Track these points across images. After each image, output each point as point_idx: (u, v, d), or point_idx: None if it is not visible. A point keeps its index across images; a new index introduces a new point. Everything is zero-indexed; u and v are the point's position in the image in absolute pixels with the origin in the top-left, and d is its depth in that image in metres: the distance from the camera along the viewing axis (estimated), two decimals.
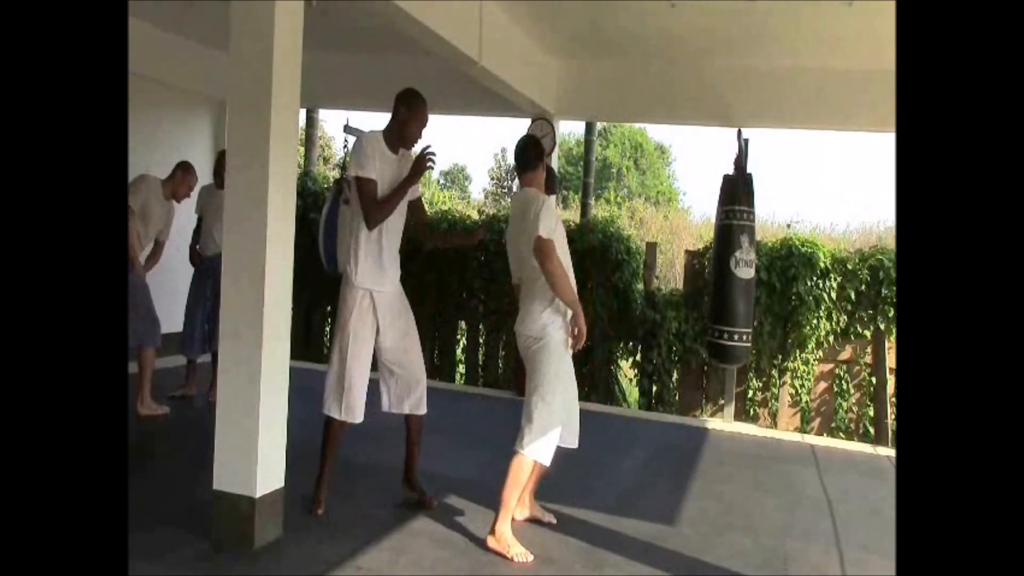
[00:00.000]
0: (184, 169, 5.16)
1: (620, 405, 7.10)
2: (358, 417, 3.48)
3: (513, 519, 3.37)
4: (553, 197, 3.39)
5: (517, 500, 3.30)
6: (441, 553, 3.24)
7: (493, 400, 6.30)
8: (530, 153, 3.43)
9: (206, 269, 5.31)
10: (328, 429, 3.53)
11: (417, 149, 3.52)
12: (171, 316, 5.50)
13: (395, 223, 3.48)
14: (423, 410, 3.62)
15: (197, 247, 5.42)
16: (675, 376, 6.97)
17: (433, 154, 3.44)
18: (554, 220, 3.23)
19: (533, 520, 3.59)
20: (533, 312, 3.31)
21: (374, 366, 3.55)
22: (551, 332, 3.28)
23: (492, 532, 3.26)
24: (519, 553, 3.19)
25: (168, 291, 5.30)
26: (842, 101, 6.14)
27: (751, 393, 6.76)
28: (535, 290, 3.31)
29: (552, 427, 3.22)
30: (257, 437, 3.09)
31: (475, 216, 8.54)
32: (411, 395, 3.58)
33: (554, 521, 3.61)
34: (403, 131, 3.43)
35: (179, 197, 5.18)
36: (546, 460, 3.24)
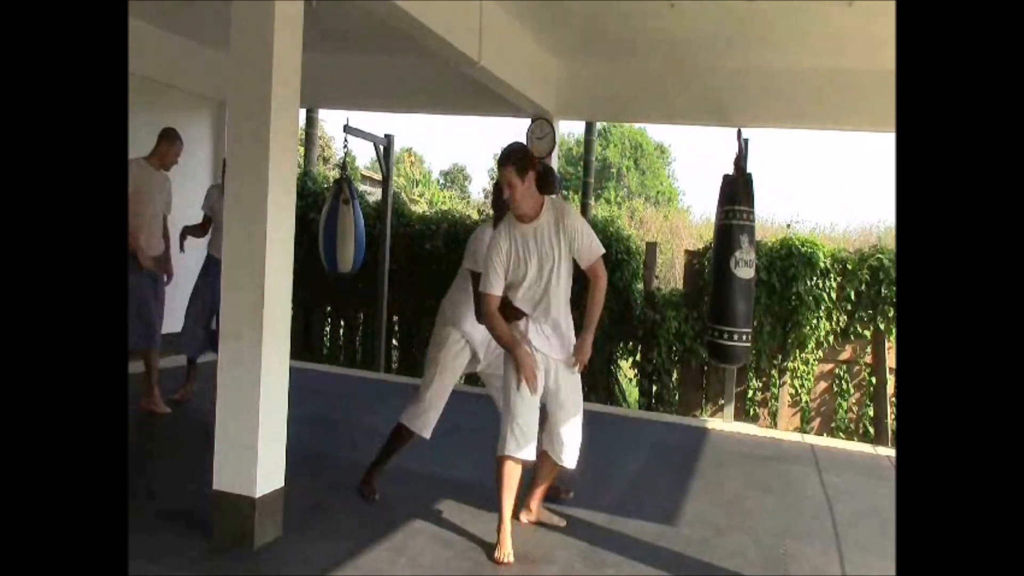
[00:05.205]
0: (165, 137, 5.05)
1: (620, 405, 7.10)
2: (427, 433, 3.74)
3: (522, 523, 3.46)
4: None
5: (512, 502, 3.27)
6: (441, 553, 3.24)
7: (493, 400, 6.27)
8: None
9: (214, 269, 5.29)
10: (398, 437, 3.77)
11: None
12: (175, 316, 5.48)
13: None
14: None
15: (209, 250, 5.38)
16: (675, 376, 6.97)
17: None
18: None
19: (539, 524, 3.58)
20: (567, 332, 3.41)
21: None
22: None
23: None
24: (501, 553, 3.16)
25: (170, 291, 5.28)
26: (842, 101, 6.13)
27: (751, 393, 6.76)
28: (561, 305, 3.40)
29: (517, 418, 3.21)
30: (257, 437, 3.09)
31: (475, 216, 8.54)
32: None
33: (563, 524, 3.59)
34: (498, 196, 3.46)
35: (168, 165, 5.09)
36: (526, 455, 3.22)
